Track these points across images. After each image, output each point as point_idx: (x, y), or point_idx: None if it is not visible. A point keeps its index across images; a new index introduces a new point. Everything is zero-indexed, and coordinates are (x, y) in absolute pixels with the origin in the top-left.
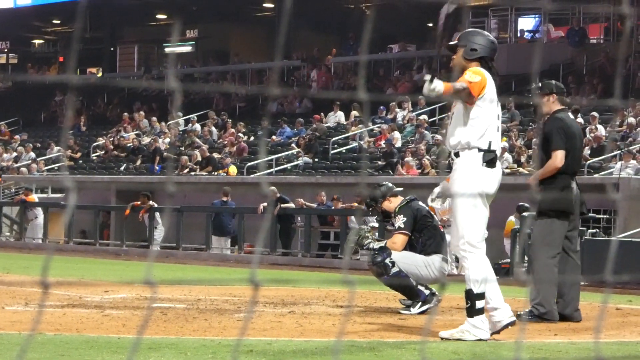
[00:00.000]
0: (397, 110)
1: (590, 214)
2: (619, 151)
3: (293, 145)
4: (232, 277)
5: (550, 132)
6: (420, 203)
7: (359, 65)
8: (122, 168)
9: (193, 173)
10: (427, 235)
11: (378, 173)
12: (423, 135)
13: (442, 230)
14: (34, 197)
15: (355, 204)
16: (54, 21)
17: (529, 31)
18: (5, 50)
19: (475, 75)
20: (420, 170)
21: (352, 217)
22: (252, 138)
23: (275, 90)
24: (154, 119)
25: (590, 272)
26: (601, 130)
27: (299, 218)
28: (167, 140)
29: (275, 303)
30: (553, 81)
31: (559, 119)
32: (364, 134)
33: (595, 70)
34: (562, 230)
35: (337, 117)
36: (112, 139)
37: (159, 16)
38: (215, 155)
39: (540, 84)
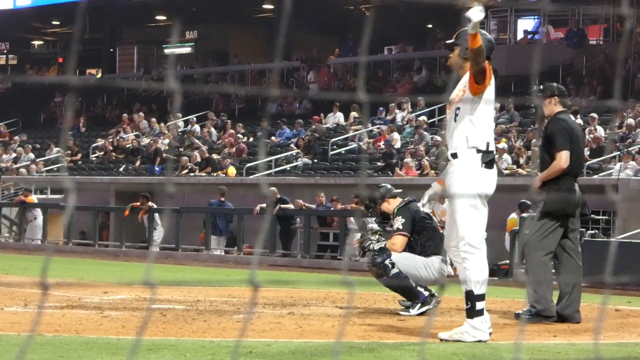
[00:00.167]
0: (397, 111)
1: (591, 215)
2: (619, 152)
3: (292, 146)
4: (232, 278)
5: (554, 133)
6: (419, 204)
7: (358, 67)
8: (121, 169)
9: (192, 174)
10: (426, 236)
11: (377, 174)
12: (422, 136)
13: (442, 231)
14: (33, 198)
15: (355, 205)
16: (54, 22)
17: (529, 32)
18: (5, 51)
19: (490, 69)
20: (419, 172)
21: (352, 219)
22: (251, 139)
23: (275, 92)
24: (154, 120)
25: (589, 273)
26: (600, 132)
27: (298, 219)
28: (167, 141)
29: (274, 304)
30: (555, 84)
31: (562, 120)
32: (364, 135)
33: (595, 72)
34: (559, 232)
35: (336, 118)
36: (111, 140)
37: (158, 17)
38: (215, 156)
39: (542, 87)
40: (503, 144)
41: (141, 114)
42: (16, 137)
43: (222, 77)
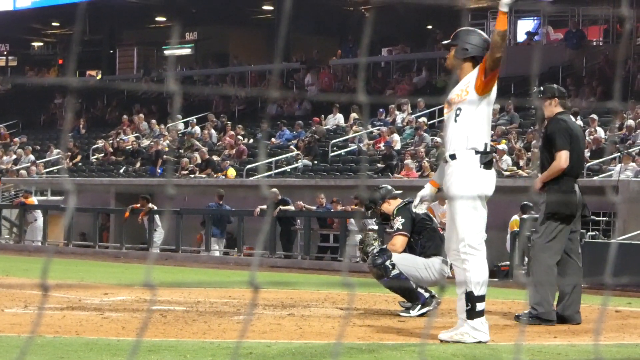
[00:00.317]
0: (397, 112)
1: (591, 217)
2: (619, 154)
3: (292, 147)
4: (232, 279)
5: (553, 133)
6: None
7: (358, 68)
8: (121, 170)
9: (192, 176)
10: (426, 237)
11: (377, 175)
12: (422, 137)
13: (442, 232)
14: (34, 199)
15: (355, 207)
16: (54, 23)
17: (529, 33)
18: (5, 52)
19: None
20: (419, 173)
21: (352, 220)
22: (251, 140)
23: (275, 93)
24: (154, 121)
25: (589, 274)
26: (600, 133)
27: (298, 220)
28: (166, 142)
29: (274, 305)
30: (555, 85)
31: (562, 121)
32: (364, 136)
33: (595, 73)
34: (565, 234)
35: (336, 119)
36: (111, 141)
37: (158, 18)
38: (215, 157)
39: (542, 88)
40: (503, 145)
41: (141, 115)
42: (16, 139)
43: (222, 79)
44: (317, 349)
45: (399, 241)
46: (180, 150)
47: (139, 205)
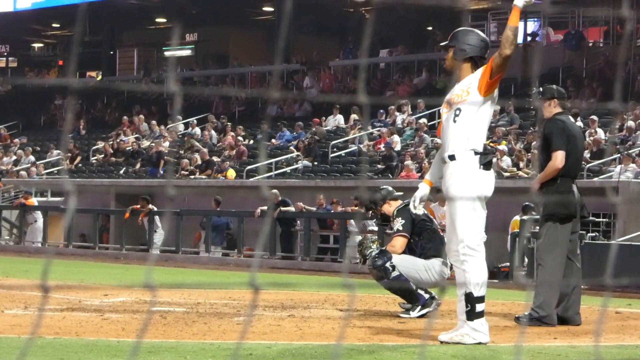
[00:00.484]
0: (397, 113)
1: (590, 218)
2: (619, 155)
3: (292, 148)
4: (232, 280)
5: (550, 134)
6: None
7: (358, 69)
8: (121, 172)
9: (192, 177)
10: (426, 238)
11: (377, 177)
12: (422, 138)
13: (442, 234)
14: (34, 200)
15: (355, 208)
16: (54, 25)
17: (530, 35)
18: (5, 53)
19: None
20: (419, 174)
21: (352, 221)
22: (251, 141)
23: (275, 94)
24: (154, 122)
25: (589, 275)
26: (601, 134)
27: (298, 221)
28: (167, 143)
29: (274, 307)
30: (554, 86)
31: (559, 121)
32: (364, 137)
33: (595, 74)
34: (567, 234)
35: (336, 120)
36: (111, 142)
37: (158, 20)
38: (215, 158)
39: (541, 89)
40: (503, 146)
41: (141, 116)
42: (16, 140)
43: (222, 80)
44: (317, 350)
45: (399, 242)
46: (180, 152)
47: (139, 206)
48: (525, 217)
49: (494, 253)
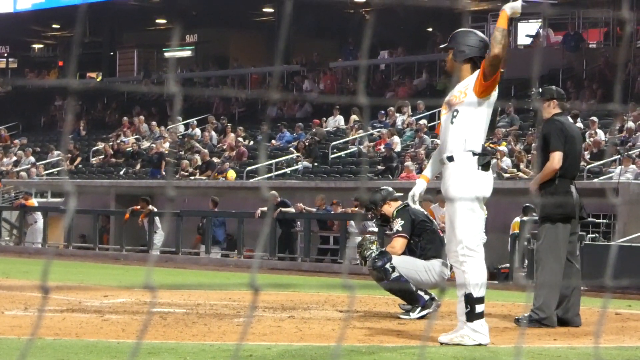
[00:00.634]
0: (397, 115)
1: (590, 219)
2: (619, 156)
3: (292, 149)
4: (232, 281)
5: (549, 134)
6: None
7: (358, 70)
8: (121, 172)
9: (192, 177)
10: (426, 239)
11: (378, 177)
12: (422, 139)
13: (442, 234)
14: (34, 201)
15: (355, 209)
16: (54, 26)
17: (529, 36)
18: (5, 54)
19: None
20: (419, 175)
21: (352, 222)
22: (251, 142)
23: (275, 95)
24: (154, 123)
25: (589, 276)
26: (601, 135)
27: (298, 222)
28: (167, 144)
29: (274, 308)
30: (553, 87)
31: (557, 121)
32: (364, 138)
33: (595, 75)
34: (566, 235)
35: (336, 121)
36: (111, 143)
37: (158, 21)
38: (215, 159)
39: (540, 90)
40: (503, 147)
41: (141, 117)
42: (16, 141)
43: (223, 81)
44: (317, 351)
45: (399, 243)
46: (180, 152)
47: (139, 207)
48: (525, 218)
49: (494, 254)
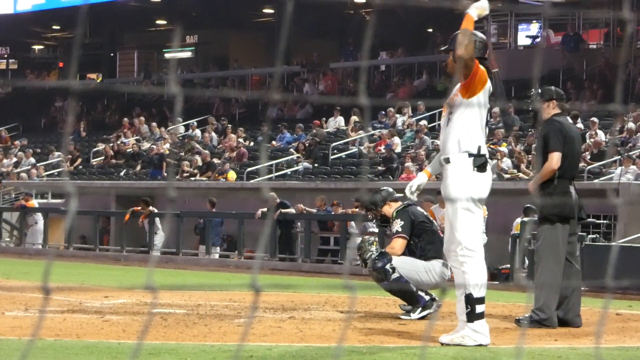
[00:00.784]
0: (397, 115)
1: (590, 220)
2: (619, 156)
3: (293, 150)
4: (232, 282)
5: (547, 135)
6: (418, 208)
7: (359, 71)
8: (122, 173)
9: (193, 178)
10: (426, 240)
11: (378, 178)
12: (423, 140)
13: (442, 235)
14: (34, 202)
15: (355, 210)
16: (54, 27)
17: (529, 37)
18: (5, 55)
19: (483, 71)
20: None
21: (352, 223)
22: (252, 143)
23: (275, 96)
24: (154, 124)
25: (590, 277)
26: (601, 136)
27: (298, 223)
28: (167, 145)
29: (275, 308)
30: (553, 87)
31: (556, 122)
32: (364, 139)
33: (595, 76)
34: (565, 235)
35: (337, 122)
36: (112, 144)
37: (158, 22)
38: (215, 160)
39: (540, 91)
40: (503, 148)
41: (142, 118)
42: (17, 142)
43: (223, 82)
44: (317, 352)
45: (398, 244)
46: (180, 154)
47: (139, 208)
48: (526, 219)
49: (495, 255)
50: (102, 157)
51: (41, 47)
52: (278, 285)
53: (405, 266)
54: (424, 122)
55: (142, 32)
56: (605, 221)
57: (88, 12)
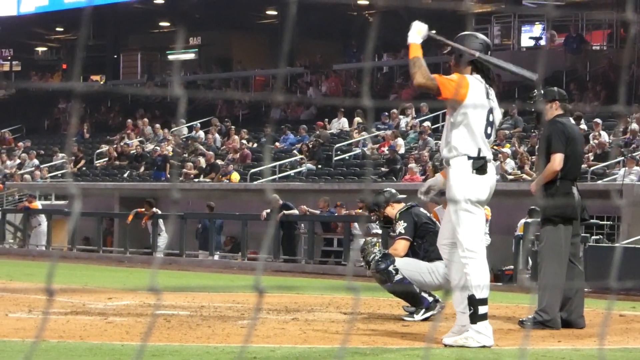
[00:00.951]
0: (400, 117)
1: (594, 221)
2: (623, 158)
3: (296, 151)
4: (236, 284)
5: (550, 136)
6: (422, 209)
7: (362, 72)
8: (125, 175)
9: (196, 180)
10: (429, 241)
11: (381, 179)
12: (426, 141)
13: None
14: (38, 204)
15: (359, 211)
16: (57, 29)
17: (532, 38)
18: (9, 57)
19: (453, 77)
20: (423, 177)
21: (356, 224)
22: (255, 145)
23: (279, 97)
24: (157, 125)
25: (594, 278)
26: (605, 137)
27: (302, 224)
28: (170, 147)
29: (278, 310)
30: (555, 88)
31: (559, 123)
32: (368, 140)
33: (599, 77)
34: (568, 236)
35: (340, 123)
36: (115, 146)
37: (162, 24)
38: (219, 162)
39: (542, 91)
40: (507, 149)
41: (145, 119)
42: (20, 143)
43: (226, 83)
44: (321, 353)
45: (401, 245)
46: (184, 155)
47: (143, 209)
48: (529, 220)
49: (499, 256)
50: (106, 159)
51: (44, 48)
52: (281, 286)
53: (409, 267)
54: (427, 124)
55: (146, 34)
56: (608, 222)
57: (91, 14)
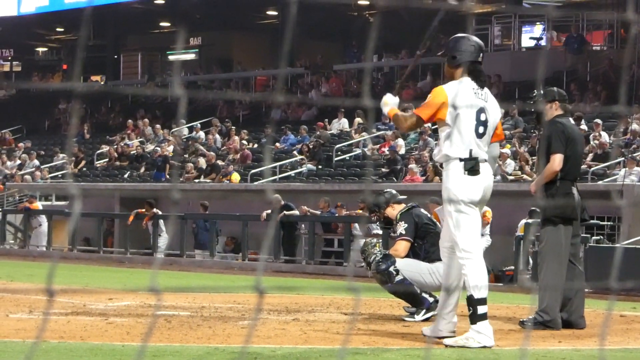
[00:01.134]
0: None
1: (594, 221)
2: (623, 158)
3: (296, 152)
4: (236, 284)
5: (550, 136)
6: (422, 210)
7: (362, 73)
8: (126, 175)
9: (197, 180)
10: (430, 242)
11: (382, 180)
12: (427, 142)
13: None
14: (38, 204)
15: (360, 211)
16: (58, 29)
17: (533, 38)
18: (9, 58)
19: (429, 97)
20: (424, 177)
21: (356, 225)
22: (255, 145)
23: (279, 98)
24: (158, 126)
25: (594, 279)
26: (605, 137)
27: (302, 225)
28: (171, 147)
29: (279, 310)
30: (555, 88)
31: (559, 123)
32: (368, 141)
33: (599, 77)
34: (568, 237)
35: (341, 124)
36: (115, 146)
37: (162, 24)
38: (219, 162)
39: (542, 92)
40: (507, 150)
41: (146, 120)
42: (20, 144)
43: (226, 84)
44: (321, 353)
45: (402, 246)
46: (184, 155)
47: (143, 210)
48: (530, 221)
49: (499, 256)
50: (106, 159)
51: (45, 49)
52: (282, 287)
53: (409, 268)
54: (427, 124)
55: (146, 34)
56: (609, 223)
57: (92, 14)
